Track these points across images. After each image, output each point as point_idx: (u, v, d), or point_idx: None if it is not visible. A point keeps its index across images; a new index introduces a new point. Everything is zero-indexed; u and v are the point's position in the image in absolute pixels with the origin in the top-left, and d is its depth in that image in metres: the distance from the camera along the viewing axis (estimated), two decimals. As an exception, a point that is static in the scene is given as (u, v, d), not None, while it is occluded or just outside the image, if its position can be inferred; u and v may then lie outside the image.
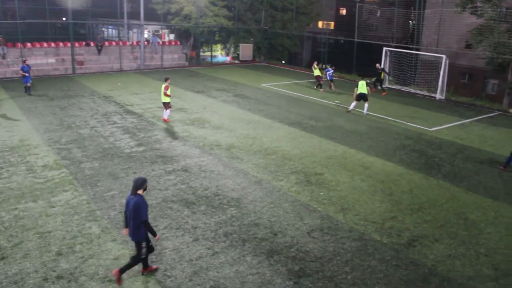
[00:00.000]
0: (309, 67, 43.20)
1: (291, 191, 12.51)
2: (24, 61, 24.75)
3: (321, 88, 28.66)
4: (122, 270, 8.13)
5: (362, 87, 21.79)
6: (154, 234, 8.03)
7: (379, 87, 28.39)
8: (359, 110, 22.47)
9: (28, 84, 23.81)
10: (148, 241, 8.13)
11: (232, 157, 15.06)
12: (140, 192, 7.85)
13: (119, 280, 8.12)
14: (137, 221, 7.74)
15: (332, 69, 29.29)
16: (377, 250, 9.66)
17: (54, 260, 8.79)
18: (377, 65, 28.82)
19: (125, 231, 8.15)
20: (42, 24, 33.97)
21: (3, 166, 13.52)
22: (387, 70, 29.89)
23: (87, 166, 13.79)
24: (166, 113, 19.19)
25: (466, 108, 25.62)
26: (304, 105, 23.81)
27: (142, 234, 7.92)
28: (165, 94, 18.70)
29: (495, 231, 10.73)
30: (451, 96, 28.30)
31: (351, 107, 22.40)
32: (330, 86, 28.88)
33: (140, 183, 7.84)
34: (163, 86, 18.79)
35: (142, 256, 8.09)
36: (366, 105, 22.16)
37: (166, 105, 19.04)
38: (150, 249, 8.34)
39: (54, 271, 8.42)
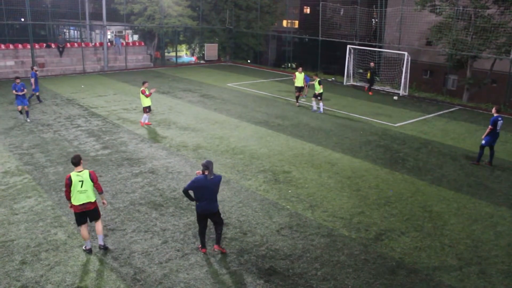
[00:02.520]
0: (276, 66, 43.46)
1: (259, 190, 12.54)
2: (32, 68, 22.86)
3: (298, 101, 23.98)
4: (218, 241, 9.26)
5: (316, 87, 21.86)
6: None
7: (370, 87, 28.33)
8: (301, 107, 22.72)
9: (36, 93, 22.38)
10: None
11: (199, 158, 14.97)
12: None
13: (223, 249, 9.35)
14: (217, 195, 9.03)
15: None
16: (345, 246, 9.80)
17: (18, 269, 8.53)
18: (372, 63, 28.26)
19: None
20: (-1, 26, 32.94)
21: (-38, 174, 13.04)
22: (351, 68, 30.37)
23: (51, 171, 13.45)
24: (145, 117, 18.68)
25: (428, 103, 26.27)
26: (270, 104, 23.90)
27: None
28: (147, 96, 18.08)
29: (458, 222, 11.06)
30: (414, 92, 28.99)
31: (315, 106, 22.45)
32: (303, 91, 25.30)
33: (213, 164, 8.93)
34: (141, 90, 18.22)
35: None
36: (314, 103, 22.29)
37: (145, 109, 18.46)
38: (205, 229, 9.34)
39: (18, 280, 8.18)
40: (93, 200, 8.94)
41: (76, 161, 8.83)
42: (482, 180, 13.97)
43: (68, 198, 8.88)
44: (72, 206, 8.95)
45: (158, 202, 11.56)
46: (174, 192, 12.17)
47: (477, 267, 9.15)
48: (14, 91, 18.61)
